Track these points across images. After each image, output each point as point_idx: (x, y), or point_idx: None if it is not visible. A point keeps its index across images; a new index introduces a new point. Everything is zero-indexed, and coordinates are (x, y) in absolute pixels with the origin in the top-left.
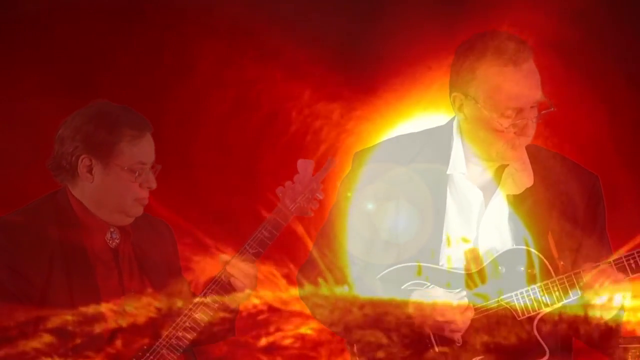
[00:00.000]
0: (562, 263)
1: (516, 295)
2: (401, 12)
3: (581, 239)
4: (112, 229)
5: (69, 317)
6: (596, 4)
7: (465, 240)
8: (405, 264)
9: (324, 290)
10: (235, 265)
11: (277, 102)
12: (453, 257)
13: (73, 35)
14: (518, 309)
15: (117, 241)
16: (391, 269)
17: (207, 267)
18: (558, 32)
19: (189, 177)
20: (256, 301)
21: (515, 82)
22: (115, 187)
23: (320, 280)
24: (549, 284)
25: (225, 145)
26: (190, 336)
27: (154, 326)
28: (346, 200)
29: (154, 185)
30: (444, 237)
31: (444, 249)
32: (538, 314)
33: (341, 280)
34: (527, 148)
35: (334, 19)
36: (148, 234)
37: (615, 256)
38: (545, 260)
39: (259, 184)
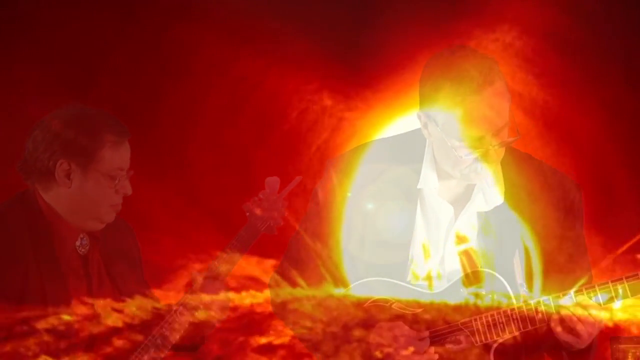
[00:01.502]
0: (524, 289)
1: (474, 319)
2: (399, 6)
3: (556, 254)
4: (82, 236)
5: (49, 320)
6: (596, 1)
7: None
8: (370, 279)
9: (328, 289)
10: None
11: (273, 99)
12: (420, 271)
13: (71, 35)
14: (476, 333)
15: (87, 248)
16: (356, 283)
17: (203, 266)
18: (557, 30)
19: (185, 177)
20: (252, 300)
21: (476, 111)
22: (93, 193)
23: (322, 279)
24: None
25: (221, 144)
26: (176, 335)
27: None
28: (324, 205)
29: (129, 192)
30: (411, 251)
31: (412, 263)
32: (495, 341)
33: (339, 279)
34: (515, 156)
35: (331, 14)
36: (113, 238)
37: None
38: (506, 285)
39: (256, 183)
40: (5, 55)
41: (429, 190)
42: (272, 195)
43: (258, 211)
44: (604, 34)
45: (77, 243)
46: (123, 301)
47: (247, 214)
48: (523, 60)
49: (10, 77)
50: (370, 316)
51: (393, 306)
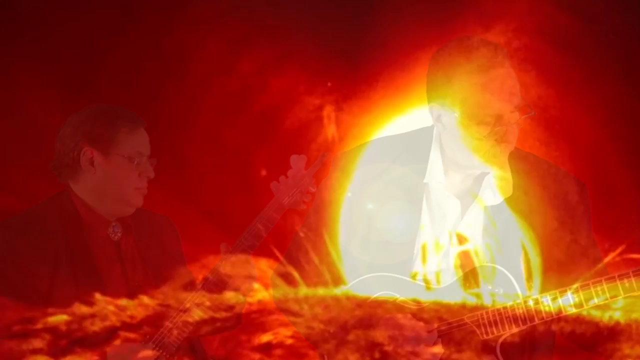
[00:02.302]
0: (531, 284)
1: (481, 315)
2: (400, 4)
3: (565, 251)
4: (114, 223)
5: (66, 316)
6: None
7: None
8: (375, 274)
9: (325, 289)
10: (230, 262)
11: (273, 98)
12: (425, 267)
13: (71, 35)
14: (482, 327)
15: (119, 235)
16: (361, 278)
17: (202, 265)
18: (556, 28)
19: (183, 176)
20: (250, 299)
21: (491, 89)
22: (116, 176)
23: (321, 278)
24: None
25: (219, 143)
26: (184, 333)
27: (154, 321)
28: (327, 203)
29: (152, 175)
30: (417, 247)
31: (416, 259)
32: (500, 336)
33: (337, 278)
34: (517, 154)
35: (332, 12)
36: (150, 229)
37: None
38: (513, 280)
39: (254, 181)
40: (4, 54)
41: (435, 184)
42: (298, 172)
43: (282, 187)
44: (603, 32)
45: (110, 230)
46: (157, 287)
47: (274, 190)
48: (521, 59)
49: (9, 76)
50: (376, 313)
51: (398, 301)
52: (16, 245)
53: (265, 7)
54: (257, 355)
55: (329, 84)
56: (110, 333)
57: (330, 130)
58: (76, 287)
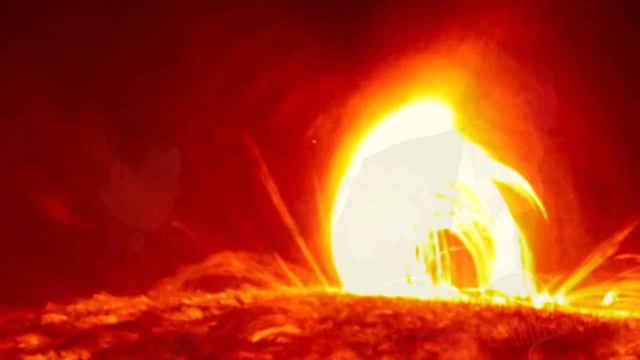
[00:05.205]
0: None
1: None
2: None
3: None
4: (137, 235)
5: (44, 319)
6: None
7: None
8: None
9: (319, 287)
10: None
11: (269, 95)
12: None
13: (67, 32)
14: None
15: (141, 245)
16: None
17: (200, 265)
18: (556, 25)
19: (184, 177)
20: (243, 297)
21: (526, 107)
22: (143, 192)
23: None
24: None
25: (215, 140)
26: (184, 331)
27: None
28: (346, 200)
29: (178, 194)
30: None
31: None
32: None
33: (332, 277)
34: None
35: (330, 6)
36: (177, 242)
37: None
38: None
39: (253, 180)
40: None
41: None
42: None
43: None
44: (602, 32)
45: (132, 241)
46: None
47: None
48: (519, 58)
49: (7, 75)
50: None
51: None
52: (34, 248)
53: (261, 3)
54: (253, 354)
55: (325, 79)
56: (108, 332)
57: (325, 125)
58: (89, 294)
